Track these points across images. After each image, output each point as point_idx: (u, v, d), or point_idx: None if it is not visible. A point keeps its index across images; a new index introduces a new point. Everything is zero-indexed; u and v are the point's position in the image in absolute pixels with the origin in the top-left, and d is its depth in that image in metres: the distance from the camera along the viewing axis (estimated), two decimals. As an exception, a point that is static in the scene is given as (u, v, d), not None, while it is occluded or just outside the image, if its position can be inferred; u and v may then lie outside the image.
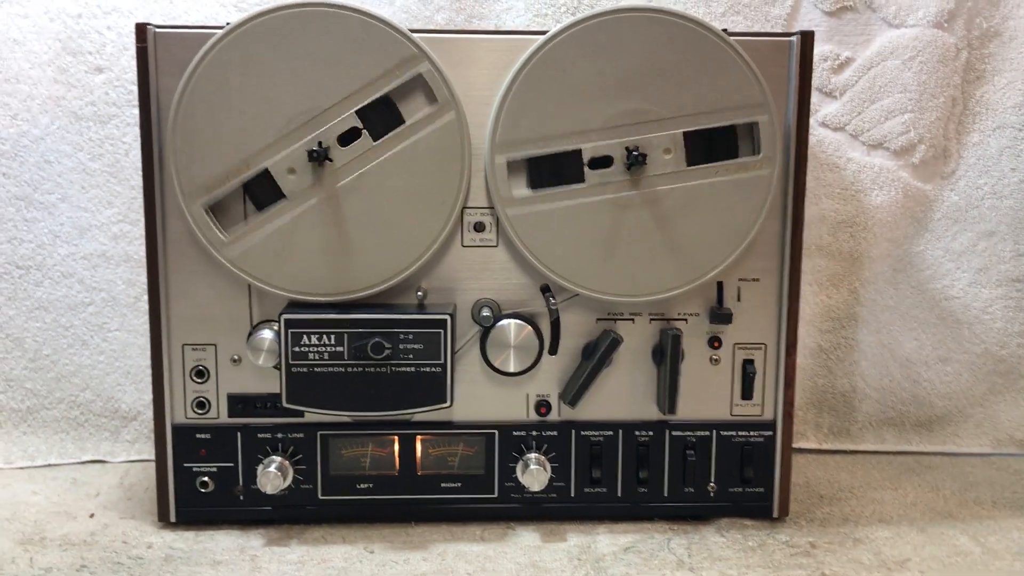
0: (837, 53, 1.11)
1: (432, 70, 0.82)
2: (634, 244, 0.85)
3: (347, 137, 0.82)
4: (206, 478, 0.89)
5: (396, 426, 0.90)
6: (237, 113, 0.81)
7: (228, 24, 0.81)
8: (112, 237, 1.09)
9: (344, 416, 0.87)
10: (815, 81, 1.10)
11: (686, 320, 0.90)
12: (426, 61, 0.82)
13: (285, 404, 0.84)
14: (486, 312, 0.86)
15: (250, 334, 0.86)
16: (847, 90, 1.12)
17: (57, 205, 1.08)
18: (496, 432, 0.91)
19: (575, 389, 0.88)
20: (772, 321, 0.90)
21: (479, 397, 0.90)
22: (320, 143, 0.81)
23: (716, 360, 0.91)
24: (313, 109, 0.81)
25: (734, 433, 0.92)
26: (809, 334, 1.16)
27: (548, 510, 0.92)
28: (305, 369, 0.83)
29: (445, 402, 0.85)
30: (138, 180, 1.06)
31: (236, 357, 0.88)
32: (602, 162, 0.84)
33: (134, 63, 1.02)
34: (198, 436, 0.89)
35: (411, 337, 0.83)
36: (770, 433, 0.92)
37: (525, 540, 0.88)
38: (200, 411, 0.89)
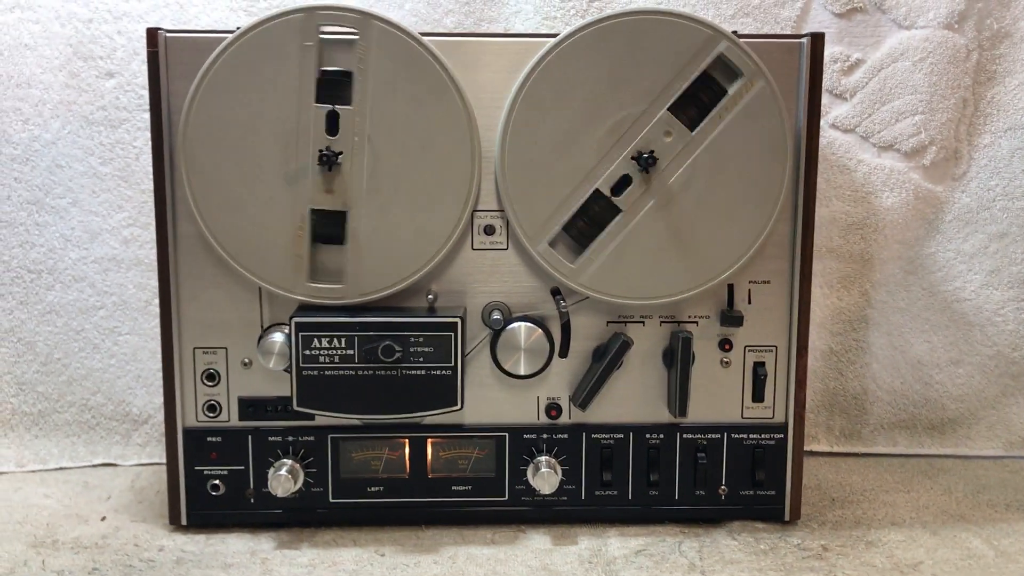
0: (847, 55, 1.11)
1: (386, 26, 0.81)
2: (645, 246, 0.85)
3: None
4: (217, 481, 0.90)
5: (407, 429, 0.90)
6: (248, 118, 0.81)
7: (238, 29, 0.81)
8: (123, 241, 1.10)
9: (354, 419, 0.87)
10: (825, 83, 1.09)
11: (697, 323, 0.90)
12: (378, 22, 0.81)
13: (296, 407, 0.84)
14: (496, 315, 0.86)
15: (261, 337, 0.86)
16: (857, 92, 1.12)
17: (68, 209, 1.09)
18: (507, 435, 0.91)
19: (586, 392, 0.88)
20: (783, 323, 0.90)
21: (489, 400, 0.90)
22: (329, 147, 0.81)
23: (727, 363, 0.90)
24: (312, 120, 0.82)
25: (745, 436, 0.92)
26: (820, 336, 1.15)
27: (559, 513, 0.92)
28: (316, 372, 0.83)
29: (455, 405, 0.85)
30: (148, 184, 1.06)
31: (247, 360, 0.88)
32: (622, 182, 0.84)
33: (144, 68, 1.03)
34: (209, 439, 0.89)
35: (421, 340, 0.83)
36: (781, 436, 0.91)
37: (536, 543, 0.88)
38: (211, 414, 0.89)
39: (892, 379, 1.17)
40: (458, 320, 0.83)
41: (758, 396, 0.91)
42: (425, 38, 0.82)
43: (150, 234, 1.08)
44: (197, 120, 0.82)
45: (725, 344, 0.90)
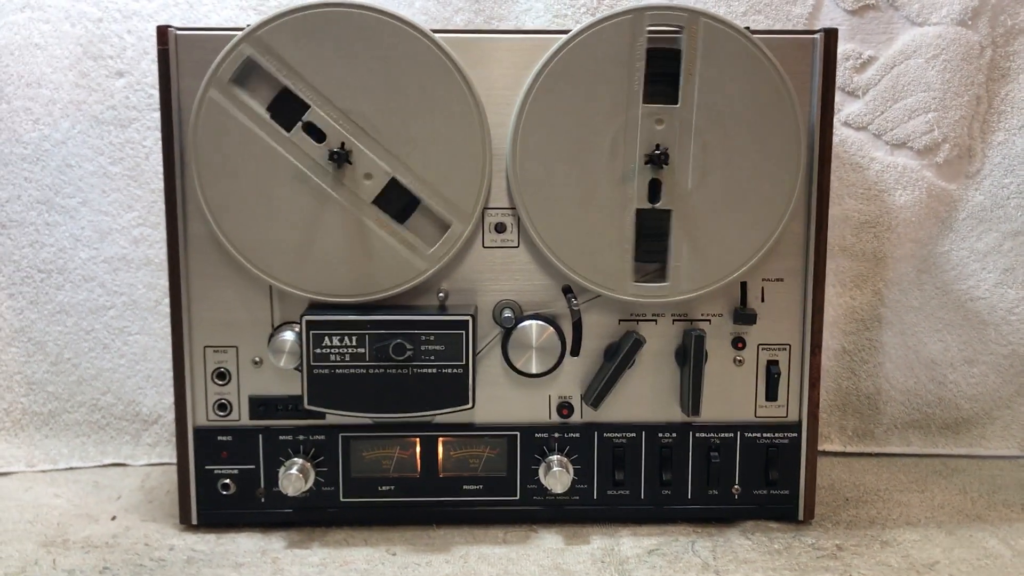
0: (859, 52, 1.10)
1: (458, 233, 0.84)
2: (656, 244, 0.85)
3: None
4: (227, 480, 0.89)
5: (418, 428, 0.89)
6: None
7: (248, 26, 0.81)
8: (133, 241, 1.09)
9: (365, 418, 0.87)
10: (837, 80, 1.08)
11: (709, 321, 0.89)
12: (463, 226, 0.84)
13: (306, 406, 0.84)
14: (508, 313, 0.86)
15: (271, 336, 0.86)
16: (870, 89, 1.11)
17: (78, 209, 1.09)
18: (518, 434, 0.90)
19: (597, 390, 0.87)
20: (796, 321, 0.89)
21: (501, 399, 0.89)
22: (343, 144, 0.81)
23: (740, 361, 0.90)
24: (373, 126, 0.82)
25: (758, 435, 0.91)
26: (833, 335, 1.15)
27: (571, 512, 0.91)
28: (326, 371, 0.83)
29: (467, 404, 0.84)
30: (158, 183, 1.06)
31: (257, 359, 0.88)
32: (653, 187, 0.84)
33: (154, 67, 1.03)
34: (219, 438, 0.89)
35: (433, 338, 0.83)
36: (795, 435, 0.91)
37: (548, 543, 0.88)
38: (221, 413, 0.88)
39: (906, 378, 1.16)
40: (469, 318, 0.83)
41: (771, 395, 0.90)
42: (437, 35, 0.82)
43: (160, 234, 1.08)
44: (208, 117, 0.81)
45: (738, 342, 0.89)
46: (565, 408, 0.90)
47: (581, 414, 0.90)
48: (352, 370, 0.83)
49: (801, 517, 0.92)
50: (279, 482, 0.87)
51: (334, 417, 0.88)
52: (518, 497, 0.91)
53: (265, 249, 0.84)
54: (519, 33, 0.87)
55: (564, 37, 0.82)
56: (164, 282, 1.08)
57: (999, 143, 1.13)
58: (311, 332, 0.82)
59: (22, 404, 1.12)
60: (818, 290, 0.88)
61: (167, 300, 0.87)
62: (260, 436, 0.89)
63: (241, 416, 0.89)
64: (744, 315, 0.88)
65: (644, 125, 0.82)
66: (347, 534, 0.89)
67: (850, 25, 1.10)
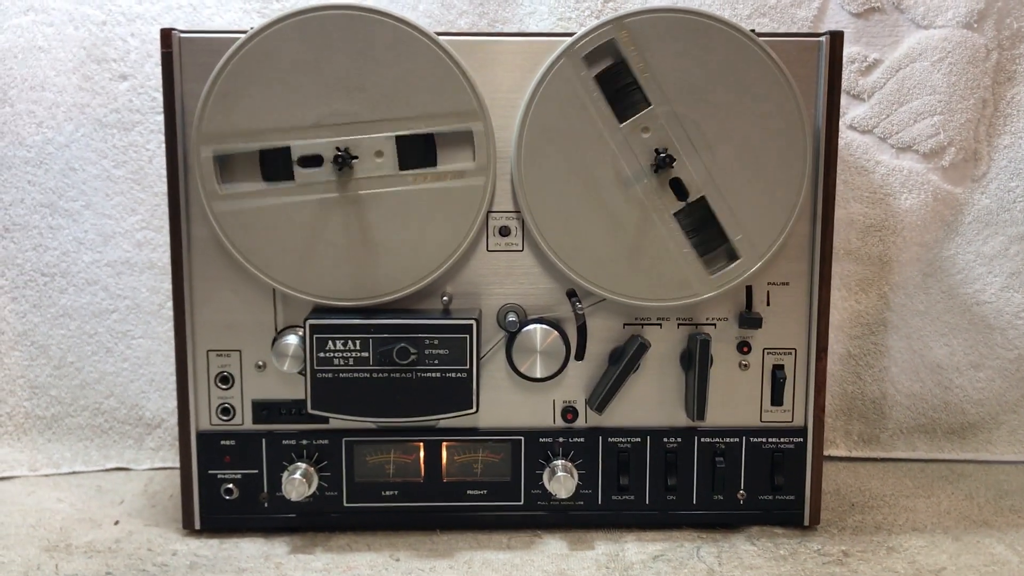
0: (865, 55, 1.10)
1: (483, 131, 0.82)
2: (662, 247, 0.84)
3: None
4: (231, 485, 0.89)
5: (421, 432, 0.89)
6: (261, 119, 0.81)
7: (252, 29, 0.81)
8: (136, 244, 1.09)
9: (369, 422, 0.87)
10: (843, 84, 1.08)
11: (715, 325, 0.89)
12: (481, 121, 0.82)
13: (310, 410, 0.83)
14: (512, 317, 0.85)
15: (275, 340, 0.86)
16: (875, 92, 1.11)
17: (81, 212, 1.09)
18: (522, 439, 0.90)
19: (602, 395, 0.87)
20: (802, 325, 0.89)
21: (505, 403, 0.89)
22: (339, 148, 0.81)
23: (745, 365, 0.89)
24: (348, 114, 0.81)
25: (764, 440, 0.90)
26: (838, 340, 1.14)
27: (575, 518, 0.91)
28: (330, 375, 0.82)
29: (471, 408, 0.84)
30: (161, 187, 1.06)
31: (261, 363, 0.87)
32: (675, 185, 0.84)
33: (158, 70, 1.03)
34: (223, 443, 0.89)
35: (436, 342, 0.83)
36: (801, 439, 0.90)
37: (552, 548, 0.87)
38: (225, 417, 0.88)
39: (911, 383, 1.16)
40: (473, 322, 0.83)
41: (777, 399, 0.90)
42: (441, 38, 0.82)
43: (163, 237, 1.08)
44: (211, 120, 0.81)
45: (743, 347, 0.89)
46: (569, 412, 0.89)
47: (586, 419, 0.90)
48: (356, 374, 0.83)
49: (807, 523, 0.91)
50: (282, 487, 0.87)
51: (337, 421, 0.88)
52: (522, 502, 0.90)
53: (268, 252, 0.83)
54: (523, 36, 0.86)
55: (569, 40, 0.82)
56: (168, 286, 1.08)
57: (1005, 146, 1.12)
58: (315, 336, 0.82)
59: (25, 408, 1.12)
60: (824, 294, 0.88)
61: (170, 304, 0.87)
62: (263, 440, 0.89)
63: (244, 420, 0.88)
64: (749, 319, 0.87)
65: (633, 141, 0.82)
66: (350, 539, 0.89)
67: (855, 28, 1.09)
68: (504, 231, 0.86)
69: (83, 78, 1.07)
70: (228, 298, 0.86)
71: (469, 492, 0.90)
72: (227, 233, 0.82)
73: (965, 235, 1.14)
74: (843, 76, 1.06)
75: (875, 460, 1.15)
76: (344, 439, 0.89)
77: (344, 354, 0.82)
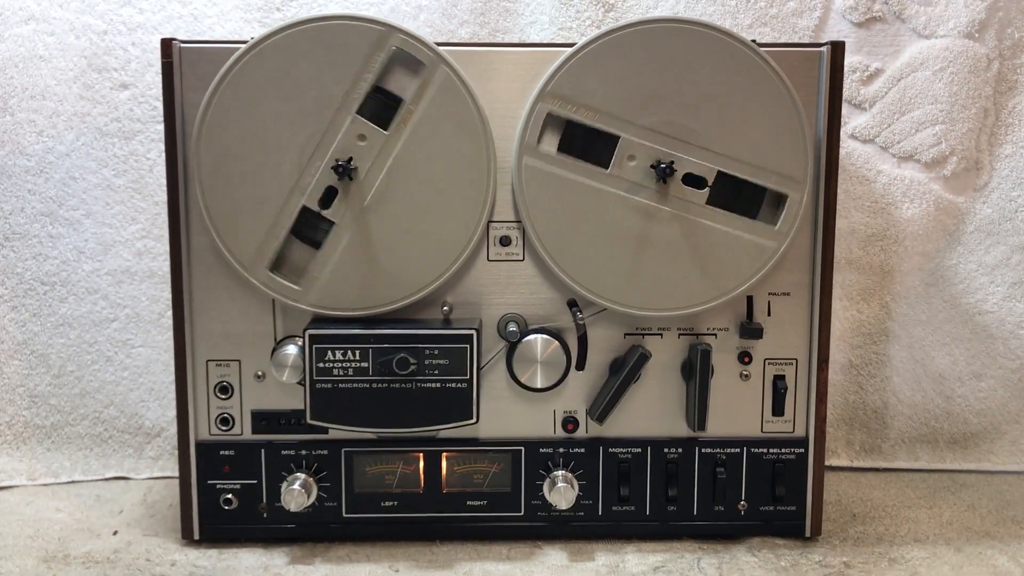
0: (866, 64, 1.10)
1: (406, 39, 0.81)
2: (662, 257, 0.84)
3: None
4: (230, 495, 0.89)
5: (421, 443, 0.89)
6: (261, 129, 0.81)
7: (252, 39, 0.81)
8: (136, 253, 1.09)
9: (369, 433, 0.86)
10: (844, 93, 1.08)
11: (715, 335, 0.88)
12: (398, 33, 0.80)
13: (309, 420, 0.83)
14: (512, 327, 0.85)
15: (274, 350, 0.85)
16: (877, 102, 1.11)
17: (82, 221, 1.09)
18: (522, 449, 0.89)
19: (603, 405, 0.87)
20: (803, 336, 0.89)
21: (505, 413, 0.89)
22: (337, 159, 0.81)
23: (746, 376, 0.89)
24: (320, 125, 0.81)
25: (765, 450, 0.90)
26: (840, 349, 1.14)
27: (576, 528, 0.91)
28: (329, 385, 0.82)
29: (471, 418, 0.84)
30: (162, 196, 1.06)
31: (260, 373, 0.87)
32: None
33: (158, 79, 1.03)
34: (222, 453, 0.88)
35: (437, 352, 0.82)
36: (802, 450, 0.90)
37: (552, 559, 0.87)
38: (224, 427, 0.88)
39: (913, 393, 1.15)
40: (474, 332, 0.82)
41: (778, 410, 0.89)
42: (441, 48, 0.81)
43: (163, 246, 1.08)
44: (211, 130, 0.81)
45: (744, 357, 0.89)
46: (570, 423, 0.89)
47: (586, 429, 0.89)
48: (355, 384, 0.82)
49: (808, 533, 0.91)
50: (281, 497, 0.86)
51: (337, 432, 0.87)
52: (522, 513, 0.90)
53: (268, 262, 0.83)
54: (524, 46, 0.86)
55: (569, 50, 0.82)
56: (167, 295, 1.07)
57: (1007, 156, 1.12)
58: (314, 346, 0.82)
59: (24, 417, 1.12)
60: (825, 304, 0.88)
61: (171, 313, 0.86)
62: (263, 451, 0.88)
63: (243, 430, 0.88)
64: (750, 329, 0.87)
65: (627, 174, 0.83)
66: (350, 550, 0.88)
67: (857, 37, 1.09)
68: (505, 240, 0.86)
69: (84, 87, 1.07)
70: (228, 308, 0.86)
71: (469, 503, 0.90)
72: (220, 229, 0.83)
73: (967, 245, 1.14)
74: (845, 86, 1.06)
75: (877, 470, 1.15)
76: (343, 449, 0.88)
77: (344, 364, 0.82)
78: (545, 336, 0.86)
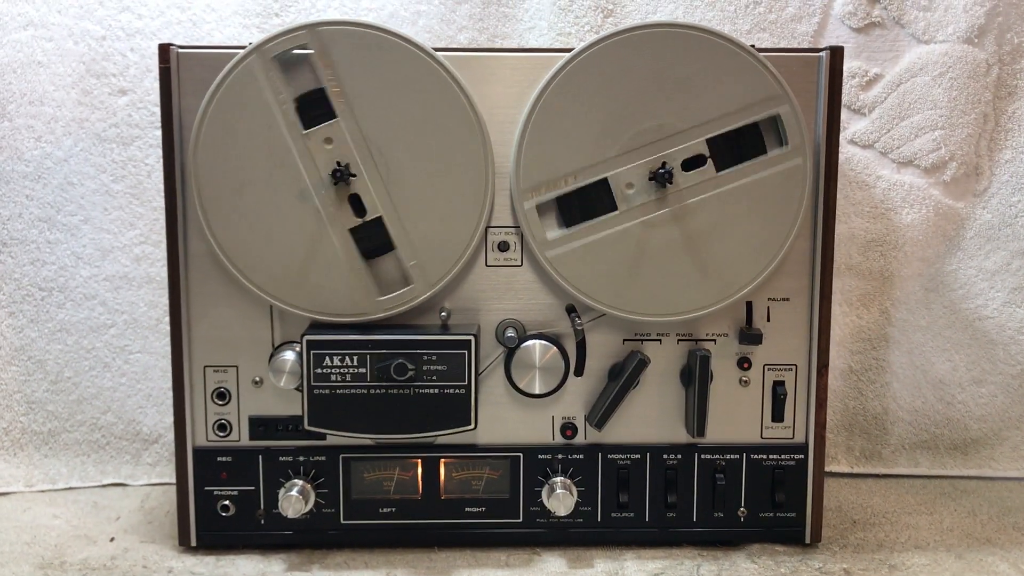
0: (865, 70, 1.10)
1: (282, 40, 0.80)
2: (662, 263, 0.84)
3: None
4: (227, 502, 0.88)
5: (419, 449, 0.88)
6: (258, 134, 0.81)
7: (250, 44, 0.81)
8: (134, 259, 1.09)
9: (366, 439, 0.86)
10: (843, 98, 1.08)
11: (715, 340, 0.88)
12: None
13: (307, 427, 0.83)
14: (511, 333, 0.85)
15: (272, 355, 0.85)
16: (876, 107, 1.10)
17: (80, 227, 1.08)
18: (521, 455, 0.89)
19: (601, 411, 0.86)
20: (803, 341, 0.88)
21: (504, 419, 0.88)
22: (339, 162, 0.81)
23: (746, 382, 0.89)
24: (334, 130, 0.81)
25: (764, 456, 0.90)
26: (840, 355, 1.14)
27: (574, 535, 0.90)
28: (327, 391, 0.82)
29: (469, 424, 0.83)
30: (160, 201, 1.06)
31: (258, 379, 0.87)
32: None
33: (157, 85, 1.02)
34: (219, 459, 0.88)
35: (435, 358, 0.82)
36: (802, 456, 0.90)
37: (551, 566, 0.87)
38: (221, 434, 0.88)
39: (913, 399, 1.15)
40: (472, 338, 0.82)
41: (777, 416, 0.89)
42: (439, 53, 0.81)
43: (162, 252, 1.08)
44: (208, 136, 0.81)
45: (744, 363, 0.88)
46: (569, 429, 0.89)
47: (585, 435, 0.89)
48: (353, 390, 0.82)
49: (808, 540, 0.91)
50: (279, 504, 0.86)
51: (335, 438, 0.87)
52: (521, 519, 0.90)
53: (266, 268, 0.83)
54: (522, 51, 0.86)
55: (567, 55, 0.81)
56: (166, 300, 1.06)
57: (1007, 161, 1.12)
58: (312, 352, 0.82)
59: (21, 423, 1.11)
60: (824, 309, 0.87)
61: (168, 319, 0.86)
62: (260, 457, 0.88)
63: (241, 436, 0.88)
64: (750, 335, 0.87)
65: (681, 151, 0.82)
66: (347, 556, 0.88)
67: (856, 43, 1.09)
68: (503, 246, 0.86)
69: (82, 93, 1.07)
70: (225, 313, 0.86)
71: (467, 509, 0.89)
72: (217, 235, 0.83)
73: (967, 250, 1.13)
74: (844, 91, 1.06)
75: (877, 476, 1.14)
76: (341, 455, 0.88)
77: (341, 370, 0.82)
78: (543, 342, 0.85)
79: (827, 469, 1.10)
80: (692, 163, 0.83)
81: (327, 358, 0.82)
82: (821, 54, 0.84)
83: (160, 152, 1.04)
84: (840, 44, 0.91)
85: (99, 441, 1.12)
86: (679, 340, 0.88)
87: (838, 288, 1.11)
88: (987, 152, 1.12)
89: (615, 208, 0.83)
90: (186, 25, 1.08)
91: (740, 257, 0.84)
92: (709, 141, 0.82)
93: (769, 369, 0.89)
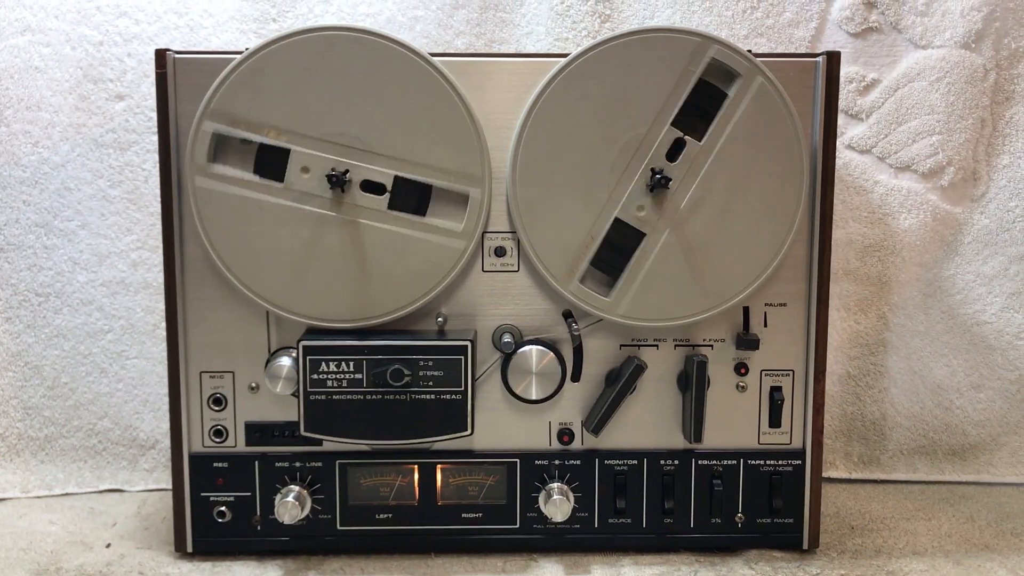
0: (863, 74, 1.10)
1: (479, 199, 0.82)
2: (658, 267, 0.84)
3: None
4: (223, 508, 0.88)
5: (416, 455, 0.88)
6: (271, 112, 0.81)
7: (247, 50, 0.81)
8: (131, 264, 1.09)
9: (363, 445, 0.86)
10: (841, 103, 1.08)
11: (712, 346, 0.88)
12: (481, 188, 0.82)
13: (303, 432, 0.83)
14: (507, 338, 0.85)
15: (268, 361, 0.85)
16: (873, 112, 1.10)
17: (77, 232, 1.08)
18: (518, 461, 0.89)
19: (598, 417, 0.86)
20: (800, 347, 0.88)
21: (500, 425, 0.88)
22: (333, 169, 0.81)
23: (743, 387, 0.89)
24: (335, 133, 0.81)
25: (762, 462, 0.90)
26: (837, 360, 1.13)
27: (571, 541, 0.90)
28: (323, 397, 0.82)
29: (466, 430, 0.83)
30: (157, 207, 1.06)
31: (254, 385, 0.87)
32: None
33: (154, 90, 1.02)
34: (215, 465, 0.88)
35: (431, 364, 0.82)
36: (799, 462, 0.90)
37: (548, 572, 0.86)
38: (217, 439, 0.87)
39: (911, 404, 1.15)
40: (468, 343, 0.82)
41: (775, 421, 0.89)
42: (436, 59, 0.81)
43: (159, 257, 1.07)
44: (205, 140, 0.81)
45: (741, 368, 0.88)
46: (566, 434, 0.89)
47: (582, 441, 0.89)
48: (349, 396, 0.82)
49: (806, 546, 0.90)
50: (275, 510, 0.86)
51: (331, 444, 0.87)
52: (518, 525, 0.90)
53: (262, 273, 0.83)
54: (519, 56, 0.86)
55: (564, 60, 0.81)
56: (163, 306, 1.06)
57: (1004, 166, 1.12)
58: (308, 358, 0.81)
59: (18, 429, 1.11)
60: (822, 315, 0.87)
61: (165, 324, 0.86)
62: (256, 463, 0.88)
63: (237, 442, 0.88)
64: (747, 340, 0.86)
65: (659, 148, 0.82)
66: (344, 563, 0.88)
67: (853, 48, 1.09)
68: (500, 251, 0.86)
69: (79, 98, 1.07)
70: (221, 319, 0.86)
71: (464, 515, 0.89)
72: (204, 219, 0.82)
73: (965, 255, 1.13)
74: (841, 96, 1.07)
75: (875, 482, 1.14)
76: (338, 461, 0.88)
77: (338, 376, 0.82)
78: (540, 347, 0.85)
79: (825, 475, 1.10)
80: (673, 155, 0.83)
81: (323, 364, 0.81)
82: (818, 59, 0.84)
83: (156, 157, 1.04)
84: (837, 49, 0.91)
85: (96, 447, 1.11)
86: (676, 345, 0.88)
87: (836, 293, 1.11)
88: (985, 157, 1.12)
89: (642, 235, 0.83)
90: (183, 30, 1.08)
91: (737, 262, 0.84)
92: (675, 123, 0.82)
93: (766, 374, 0.89)
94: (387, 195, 0.82)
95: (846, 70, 1.08)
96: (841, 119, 1.09)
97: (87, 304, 1.09)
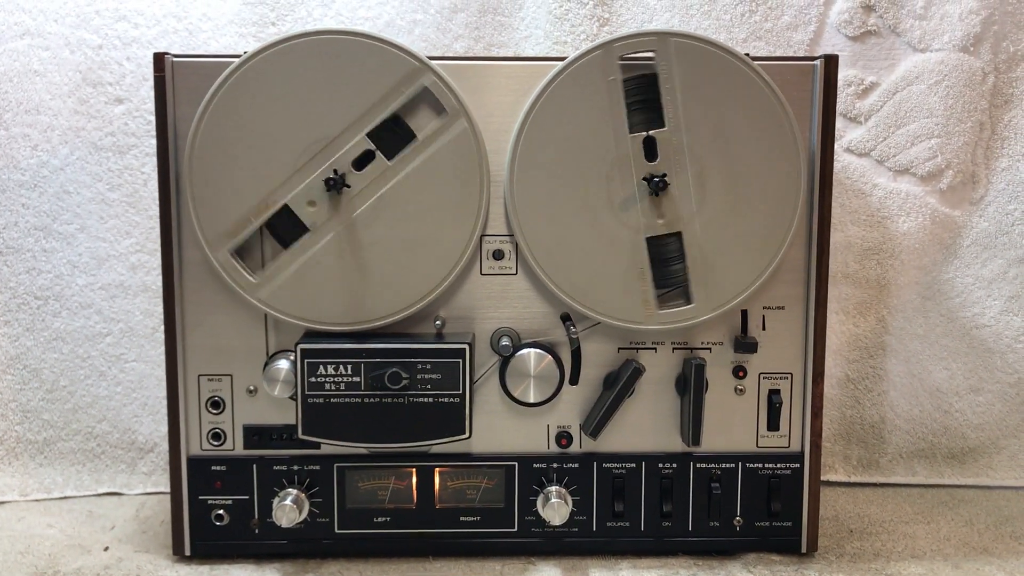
0: (861, 78, 1.10)
1: (436, 81, 0.81)
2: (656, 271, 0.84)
3: (362, 161, 0.82)
4: (221, 511, 0.88)
5: (414, 458, 0.88)
6: (253, 143, 0.81)
7: (246, 53, 0.81)
8: (130, 267, 1.09)
9: (361, 448, 0.86)
10: (839, 107, 1.08)
11: (710, 349, 0.88)
12: (429, 73, 0.81)
13: (301, 436, 0.83)
14: (505, 341, 0.85)
15: (266, 364, 0.85)
16: (872, 115, 1.10)
17: (76, 235, 1.08)
18: (516, 464, 0.89)
19: (596, 420, 0.86)
20: (798, 350, 0.88)
21: (498, 428, 0.88)
22: (336, 170, 0.81)
23: (741, 390, 0.89)
24: (324, 137, 0.81)
25: (760, 465, 0.90)
26: (836, 364, 1.13)
27: (569, 544, 0.90)
28: (321, 400, 0.82)
29: (464, 433, 0.83)
30: (156, 210, 1.06)
31: (252, 388, 0.87)
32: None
33: (153, 93, 1.03)
34: (213, 468, 0.88)
35: (429, 367, 0.82)
36: (797, 465, 0.89)
37: (546, 575, 0.86)
38: (216, 443, 0.87)
39: (910, 407, 1.15)
40: (466, 346, 0.82)
41: (773, 425, 0.89)
42: (434, 62, 0.81)
43: (157, 260, 1.07)
44: (203, 145, 0.81)
45: (739, 371, 0.88)
46: (564, 438, 0.89)
47: (580, 444, 0.89)
48: (347, 399, 0.82)
49: (804, 549, 0.90)
50: (273, 513, 0.86)
51: (329, 447, 0.87)
52: (516, 529, 0.89)
53: (273, 287, 0.83)
54: (517, 60, 0.86)
55: (560, 64, 0.81)
56: (161, 309, 1.07)
57: (1003, 169, 1.12)
58: (306, 361, 0.81)
59: (16, 432, 1.11)
60: (820, 318, 0.87)
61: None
62: (254, 466, 0.88)
63: (235, 446, 0.88)
64: (745, 343, 0.86)
65: (636, 157, 0.82)
66: (342, 566, 0.88)
67: (852, 51, 1.09)
68: (498, 254, 0.86)
69: (78, 101, 1.07)
70: (220, 322, 0.86)
71: (462, 518, 0.89)
72: (212, 244, 0.83)
73: (963, 258, 1.13)
74: (840, 99, 1.07)
75: (874, 485, 1.14)
76: (336, 465, 0.88)
77: (336, 379, 0.82)
78: (538, 350, 0.85)
79: (824, 478, 1.10)
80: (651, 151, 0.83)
81: (321, 367, 0.81)
82: (816, 62, 0.84)
83: (156, 160, 1.04)
84: (836, 53, 0.91)
85: (94, 450, 1.11)
86: (674, 349, 0.88)
87: (835, 296, 1.11)
88: (983, 160, 1.12)
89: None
90: (182, 34, 1.08)
91: (735, 265, 0.84)
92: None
93: (765, 378, 0.89)
94: (377, 153, 0.82)
95: (844, 73, 1.08)
96: (840, 122, 1.09)
97: (86, 307, 1.09)
